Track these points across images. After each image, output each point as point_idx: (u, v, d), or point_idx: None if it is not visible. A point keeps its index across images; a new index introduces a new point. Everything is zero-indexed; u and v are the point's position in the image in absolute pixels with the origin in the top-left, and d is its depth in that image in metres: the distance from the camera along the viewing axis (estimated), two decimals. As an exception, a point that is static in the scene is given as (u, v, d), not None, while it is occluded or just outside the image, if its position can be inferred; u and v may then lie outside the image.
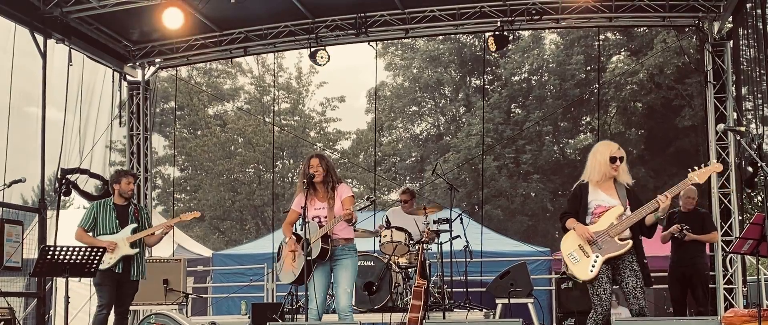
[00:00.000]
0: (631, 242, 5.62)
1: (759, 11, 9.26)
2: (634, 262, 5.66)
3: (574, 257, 5.72)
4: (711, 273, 9.49)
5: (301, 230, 6.61)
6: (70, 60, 10.50)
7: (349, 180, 28.64)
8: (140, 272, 7.66)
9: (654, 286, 10.84)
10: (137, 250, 7.51)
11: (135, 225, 7.57)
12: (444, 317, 8.07)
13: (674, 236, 8.42)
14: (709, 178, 9.92)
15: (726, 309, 9.07)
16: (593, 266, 5.62)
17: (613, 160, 5.77)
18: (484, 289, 9.76)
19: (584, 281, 5.67)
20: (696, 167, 5.66)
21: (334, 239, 6.52)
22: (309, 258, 6.38)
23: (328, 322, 6.79)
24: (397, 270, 8.60)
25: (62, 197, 9.58)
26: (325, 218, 6.53)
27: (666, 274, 8.78)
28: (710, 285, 9.24)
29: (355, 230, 8.23)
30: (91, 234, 7.60)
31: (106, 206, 7.69)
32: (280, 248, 7.01)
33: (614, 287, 5.74)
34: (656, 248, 10.64)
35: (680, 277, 8.54)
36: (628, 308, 5.72)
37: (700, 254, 8.49)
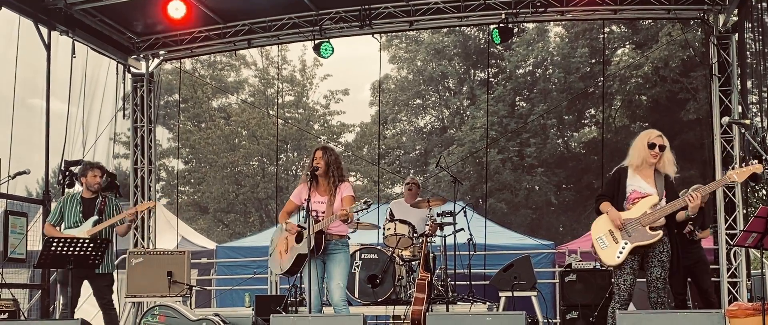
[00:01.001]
0: (660, 233, 5.63)
1: (764, 4, 9.23)
2: (664, 252, 5.69)
3: (603, 241, 5.75)
4: (714, 266, 9.47)
5: (303, 222, 6.61)
6: (73, 52, 10.52)
7: (353, 173, 28.65)
8: (107, 264, 7.61)
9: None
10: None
11: (96, 218, 7.55)
12: (447, 310, 8.06)
13: (684, 233, 8.38)
14: (713, 171, 9.96)
15: (730, 303, 9.06)
16: (620, 253, 5.64)
17: (651, 146, 5.78)
18: (487, 282, 9.76)
19: (610, 266, 5.69)
20: (735, 165, 5.67)
21: (327, 233, 6.52)
22: (302, 252, 6.39)
23: (327, 314, 6.78)
24: (401, 263, 8.61)
25: (66, 189, 9.62)
26: (323, 212, 6.53)
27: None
28: (713, 279, 9.23)
29: (357, 223, 8.26)
30: (58, 228, 7.62)
31: (73, 200, 7.70)
32: (272, 237, 7.01)
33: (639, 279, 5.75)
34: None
35: (684, 269, 8.51)
36: (648, 296, 5.73)
37: (698, 246, 8.47)
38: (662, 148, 5.79)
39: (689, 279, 8.38)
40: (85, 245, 7.03)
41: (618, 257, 5.64)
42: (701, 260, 8.44)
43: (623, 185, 5.83)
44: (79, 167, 7.97)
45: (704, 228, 8.40)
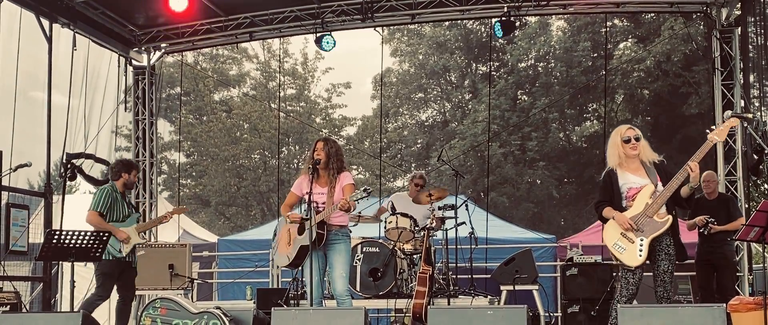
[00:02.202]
0: (670, 218, 5.64)
1: (768, -3, 9.20)
2: (670, 245, 5.69)
3: (620, 246, 5.74)
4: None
5: (304, 214, 6.61)
6: (75, 44, 10.51)
7: (355, 166, 28.63)
8: (135, 258, 7.85)
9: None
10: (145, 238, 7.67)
11: (138, 214, 7.68)
12: (449, 304, 8.07)
13: (700, 230, 8.36)
14: (716, 165, 9.93)
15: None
16: (641, 251, 5.64)
17: (626, 140, 5.81)
18: (488, 276, 9.75)
19: (636, 267, 5.66)
20: (712, 127, 5.66)
21: (328, 224, 6.52)
22: (304, 244, 6.39)
23: (329, 307, 6.78)
24: (402, 256, 8.60)
25: (68, 182, 9.62)
26: (324, 203, 6.52)
27: (692, 261, 8.75)
28: (737, 274, 9.22)
29: (359, 216, 8.26)
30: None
31: (116, 194, 7.74)
32: (275, 230, 7.01)
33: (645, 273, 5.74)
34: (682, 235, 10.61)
35: (707, 264, 8.50)
36: (654, 290, 5.73)
37: (726, 242, 8.44)
38: (637, 138, 5.82)
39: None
40: (88, 237, 7.03)
41: (640, 256, 5.63)
42: (725, 258, 8.43)
43: (617, 185, 5.84)
44: (120, 163, 7.96)
45: (731, 218, 8.33)
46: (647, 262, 5.77)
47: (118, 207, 7.74)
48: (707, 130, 5.66)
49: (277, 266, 7.07)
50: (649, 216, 5.63)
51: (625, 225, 5.67)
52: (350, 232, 6.91)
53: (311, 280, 6.46)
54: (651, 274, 5.82)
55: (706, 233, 8.28)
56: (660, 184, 5.72)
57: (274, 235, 7.04)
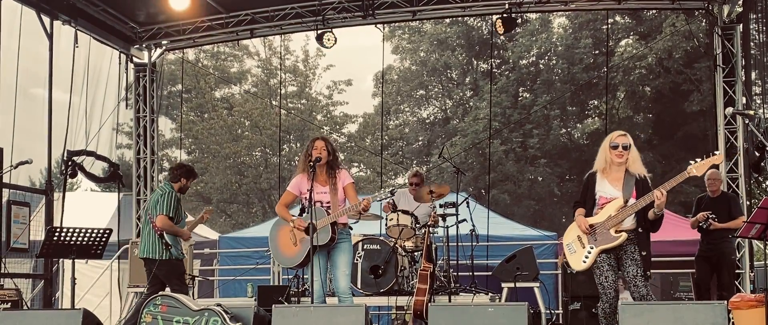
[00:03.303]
0: (624, 235, 5.63)
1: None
2: (635, 252, 5.67)
3: (571, 247, 5.86)
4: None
5: (303, 214, 6.57)
6: (76, 41, 10.50)
7: (356, 164, 28.62)
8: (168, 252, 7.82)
9: (661, 271, 10.83)
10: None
11: (188, 217, 7.77)
12: (449, 301, 8.07)
13: (700, 224, 8.36)
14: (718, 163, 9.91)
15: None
16: (586, 257, 5.72)
17: (614, 146, 5.74)
18: (490, 273, 9.75)
19: (577, 271, 5.85)
20: (697, 159, 5.57)
21: (337, 224, 6.52)
22: (315, 244, 6.37)
23: (330, 304, 6.77)
24: (403, 254, 8.60)
25: (69, 179, 9.62)
26: (328, 202, 6.50)
27: (693, 258, 8.75)
28: (737, 271, 9.21)
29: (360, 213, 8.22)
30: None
31: (178, 196, 7.75)
32: (272, 231, 6.95)
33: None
34: (682, 232, 10.61)
35: (705, 261, 8.50)
36: (631, 295, 5.73)
37: (727, 239, 8.44)
38: (626, 147, 5.72)
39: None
40: (89, 234, 7.04)
41: (584, 262, 5.73)
42: (724, 255, 8.42)
43: (592, 190, 5.84)
44: (183, 168, 7.98)
45: (733, 216, 8.32)
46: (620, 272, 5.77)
47: (180, 209, 7.75)
48: (691, 161, 5.58)
49: (285, 266, 7.02)
50: (607, 228, 5.64)
51: (582, 228, 5.72)
52: (351, 229, 6.92)
53: (312, 278, 6.45)
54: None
55: (705, 227, 8.28)
56: (633, 199, 5.65)
57: (271, 234, 6.98)
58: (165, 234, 7.45)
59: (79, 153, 9.77)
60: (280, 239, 6.83)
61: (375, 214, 9.52)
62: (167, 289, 7.50)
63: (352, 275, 8.08)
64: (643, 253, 5.66)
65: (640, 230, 5.69)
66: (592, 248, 5.68)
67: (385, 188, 6.39)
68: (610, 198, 5.72)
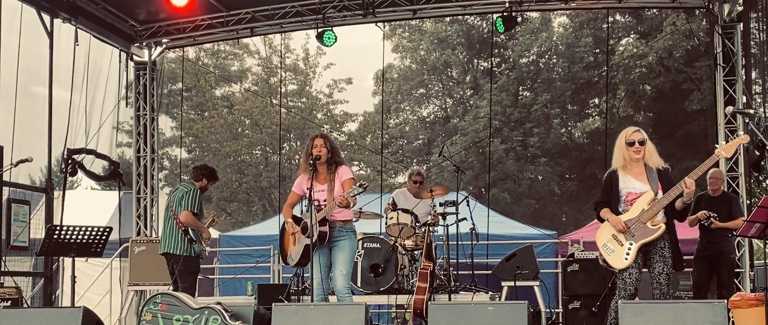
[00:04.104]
0: (663, 226, 5.66)
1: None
2: (665, 247, 5.71)
3: (609, 247, 5.78)
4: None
5: (305, 213, 6.58)
6: (76, 40, 10.49)
7: (356, 162, 28.61)
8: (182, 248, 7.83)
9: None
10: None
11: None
12: (449, 300, 8.06)
13: (701, 222, 8.35)
14: (718, 162, 9.91)
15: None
16: (627, 255, 5.67)
17: (630, 143, 5.80)
18: (490, 271, 9.76)
19: (621, 269, 5.71)
20: (722, 142, 5.64)
21: (331, 221, 6.49)
22: (309, 243, 6.37)
23: (330, 303, 6.77)
24: (403, 252, 8.60)
25: (69, 178, 9.62)
26: (325, 200, 6.49)
27: (692, 257, 8.74)
28: (737, 270, 9.21)
29: (360, 211, 8.21)
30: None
31: (201, 195, 7.84)
32: (282, 230, 6.98)
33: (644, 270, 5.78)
34: (682, 231, 10.60)
35: (706, 261, 8.50)
36: (651, 292, 5.75)
37: (727, 239, 8.44)
38: (642, 142, 5.80)
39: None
40: (89, 233, 7.04)
41: (625, 259, 5.68)
42: (724, 253, 8.41)
43: (616, 188, 5.85)
44: (207, 169, 8.10)
45: (733, 216, 8.32)
46: (645, 269, 5.78)
47: (203, 207, 7.83)
48: (716, 145, 5.64)
49: (289, 265, 7.01)
50: (643, 222, 5.66)
51: (618, 227, 5.70)
52: (355, 227, 6.86)
53: (312, 277, 6.45)
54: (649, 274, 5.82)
55: (707, 225, 8.28)
56: (660, 191, 5.72)
57: (281, 235, 6.99)
58: (189, 230, 7.51)
59: (79, 151, 9.76)
60: (285, 238, 6.86)
61: (375, 212, 9.53)
62: (170, 287, 7.51)
63: (352, 273, 8.07)
64: (677, 246, 5.72)
65: (669, 223, 5.74)
66: (631, 244, 5.66)
67: (360, 184, 6.29)
68: (640, 193, 5.74)
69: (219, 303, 6.34)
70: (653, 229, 5.63)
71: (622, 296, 5.72)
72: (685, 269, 10.08)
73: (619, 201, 5.83)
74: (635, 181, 5.79)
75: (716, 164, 9.79)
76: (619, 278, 5.75)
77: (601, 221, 5.91)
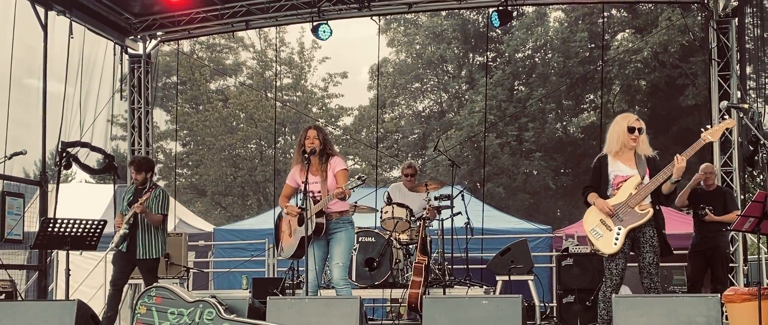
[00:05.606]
0: (651, 210, 5.67)
1: (765, -11, 9.18)
2: (654, 237, 5.71)
3: (597, 232, 5.79)
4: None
5: (301, 204, 6.56)
6: (71, 32, 10.45)
7: (351, 156, 28.61)
8: (144, 251, 7.63)
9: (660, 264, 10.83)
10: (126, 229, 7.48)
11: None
12: (444, 294, 8.07)
13: (699, 213, 8.36)
14: (713, 156, 9.94)
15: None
16: (616, 239, 5.68)
17: (631, 130, 5.82)
18: (484, 266, 9.76)
19: (610, 254, 5.71)
20: (708, 126, 5.67)
21: (328, 212, 6.48)
22: (307, 234, 6.35)
23: (325, 296, 6.77)
24: (398, 246, 8.60)
25: (63, 171, 9.59)
26: (319, 192, 6.47)
27: (686, 252, 8.77)
28: (731, 264, 9.23)
29: (355, 206, 8.19)
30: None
31: (128, 190, 7.78)
32: (278, 222, 6.96)
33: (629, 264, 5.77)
34: (676, 225, 10.63)
35: (700, 255, 8.52)
36: (641, 282, 5.75)
37: (721, 234, 8.46)
38: (641, 131, 5.84)
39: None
40: (83, 226, 7.02)
41: (615, 244, 5.68)
42: (718, 248, 8.43)
43: (606, 172, 5.87)
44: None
45: (727, 210, 8.34)
46: (631, 253, 5.79)
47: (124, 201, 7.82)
48: (703, 129, 5.66)
49: (284, 257, 6.99)
50: (631, 207, 5.67)
51: (605, 211, 5.71)
52: (352, 219, 6.83)
53: (307, 270, 6.44)
54: (637, 266, 5.84)
55: (702, 216, 8.29)
56: (648, 177, 5.74)
57: (275, 227, 6.98)
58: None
59: (73, 144, 9.72)
60: (281, 229, 6.84)
61: (370, 206, 9.53)
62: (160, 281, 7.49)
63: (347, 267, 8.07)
64: (663, 231, 5.71)
65: (657, 207, 5.74)
66: (620, 228, 5.67)
67: (359, 177, 6.24)
68: (626, 176, 5.77)
69: (214, 296, 6.34)
70: (641, 213, 5.65)
71: (608, 285, 5.74)
72: (679, 264, 10.15)
73: (607, 186, 5.84)
74: (624, 165, 5.83)
75: (710, 160, 9.86)
76: (607, 268, 5.76)
77: (588, 205, 5.93)
